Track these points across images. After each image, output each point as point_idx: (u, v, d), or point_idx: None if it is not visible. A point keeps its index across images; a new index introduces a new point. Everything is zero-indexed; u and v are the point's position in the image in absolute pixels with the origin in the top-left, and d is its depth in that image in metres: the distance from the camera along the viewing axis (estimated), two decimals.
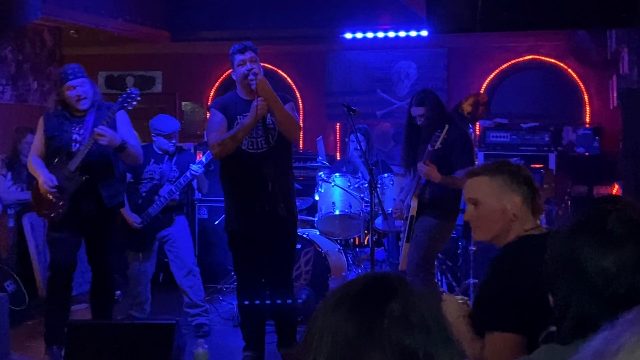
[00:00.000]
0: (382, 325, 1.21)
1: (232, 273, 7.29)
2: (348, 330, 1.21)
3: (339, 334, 1.21)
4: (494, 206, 2.74)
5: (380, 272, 1.34)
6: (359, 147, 7.38)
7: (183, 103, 10.74)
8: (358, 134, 7.42)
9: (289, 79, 10.26)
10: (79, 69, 5.41)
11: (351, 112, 5.70)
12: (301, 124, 5.21)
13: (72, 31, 10.06)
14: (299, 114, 5.31)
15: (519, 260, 2.59)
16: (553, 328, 1.88)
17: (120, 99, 5.38)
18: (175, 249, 6.56)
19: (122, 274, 7.85)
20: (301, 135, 10.27)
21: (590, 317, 1.64)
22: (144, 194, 6.53)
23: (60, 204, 5.31)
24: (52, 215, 5.37)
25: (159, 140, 6.61)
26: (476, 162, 6.46)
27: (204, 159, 6.66)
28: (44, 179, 5.29)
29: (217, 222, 7.59)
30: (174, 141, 6.61)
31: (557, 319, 1.79)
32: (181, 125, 10.63)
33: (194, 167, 6.49)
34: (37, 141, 5.51)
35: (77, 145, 5.32)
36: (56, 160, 5.37)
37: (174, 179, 6.52)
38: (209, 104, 10.56)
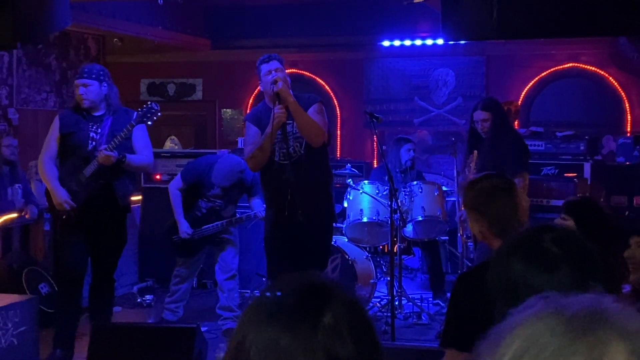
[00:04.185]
0: (317, 336, 1.20)
1: (264, 279, 7.34)
2: (282, 342, 1.20)
3: (272, 347, 1.21)
4: (471, 225, 2.76)
5: (312, 278, 1.31)
6: (413, 158, 7.46)
7: (223, 110, 10.86)
8: (410, 144, 7.51)
9: (327, 87, 10.30)
10: (90, 70, 5.51)
11: (374, 120, 5.71)
12: (324, 129, 5.21)
13: (115, 39, 10.26)
14: (325, 116, 5.32)
15: (476, 278, 2.57)
16: None
17: (139, 112, 5.45)
18: (225, 254, 6.65)
19: (157, 278, 7.98)
20: (338, 142, 10.33)
21: None
22: (204, 210, 6.55)
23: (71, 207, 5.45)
24: (63, 216, 5.49)
25: None
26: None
27: None
28: (60, 199, 5.40)
29: (248, 227, 7.64)
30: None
31: None
32: (221, 132, 10.83)
33: (259, 210, 6.42)
34: (51, 140, 5.57)
35: (94, 143, 5.40)
36: (70, 160, 5.46)
37: (234, 200, 6.59)
38: (248, 111, 10.67)
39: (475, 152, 6.00)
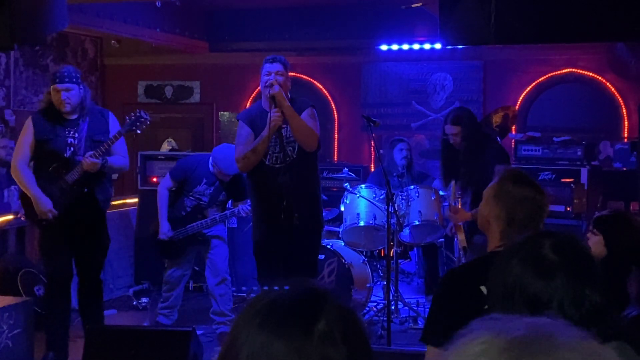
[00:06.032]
0: (311, 343, 1.21)
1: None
2: (275, 349, 1.21)
3: (263, 352, 1.21)
4: (481, 207, 2.72)
5: (305, 286, 1.32)
6: (407, 157, 7.49)
7: (220, 113, 10.85)
8: (402, 144, 7.55)
9: (324, 90, 10.30)
10: (70, 73, 5.40)
11: (371, 124, 5.70)
12: (318, 133, 5.23)
13: (113, 41, 10.26)
14: (317, 121, 5.34)
15: (464, 276, 2.56)
16: None
17: (128, 120, 5.44)
18: (213, 255, 6.59)
19: (152, 281, 7.96)
20: (335, 146, 10.33)
21: None
22: (188, 209, 6.52)
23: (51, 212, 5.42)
24: (42, 222, 5.44)
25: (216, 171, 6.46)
26: None
27: None
28: (44, 209, 5.33)
29: (244, 230, 7.64)
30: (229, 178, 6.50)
31: None
32: (218, 135, 10.81)
33: (243, 208, 6.38)
34: (25, 145, 5.42)
35: (72, 149, 5.35)
36: (51, 168, 5.38)
37: (220, 202, 6.54)
38: None
39: (453, 182, 5.70)
